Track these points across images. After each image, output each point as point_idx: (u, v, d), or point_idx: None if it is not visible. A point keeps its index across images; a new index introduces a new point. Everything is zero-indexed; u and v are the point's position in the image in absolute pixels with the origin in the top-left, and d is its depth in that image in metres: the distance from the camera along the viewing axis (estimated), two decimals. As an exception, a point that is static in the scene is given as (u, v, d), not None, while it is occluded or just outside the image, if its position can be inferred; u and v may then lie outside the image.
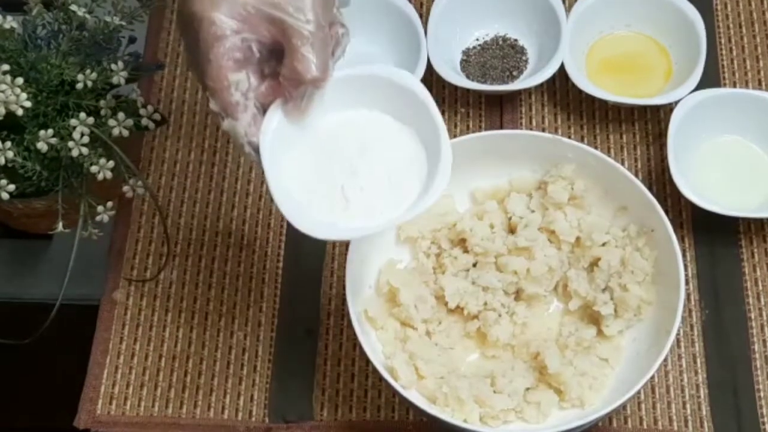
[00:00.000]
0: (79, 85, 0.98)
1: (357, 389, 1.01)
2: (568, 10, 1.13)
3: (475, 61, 1.15)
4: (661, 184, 1.08)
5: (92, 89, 0.99)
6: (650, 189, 1.00)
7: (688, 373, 1.00)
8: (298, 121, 0.80)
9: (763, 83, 1.14)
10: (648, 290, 0.95)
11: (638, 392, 0.91)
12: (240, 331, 1.04)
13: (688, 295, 1.03)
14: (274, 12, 0.76)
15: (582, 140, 1.11)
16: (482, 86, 1.12)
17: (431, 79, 1.13)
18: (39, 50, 1.01)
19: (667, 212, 0.95)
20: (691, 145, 1.07)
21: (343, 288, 0.93)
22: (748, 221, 1.06)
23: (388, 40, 1.15)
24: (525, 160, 1.00)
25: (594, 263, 0.97)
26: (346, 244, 0.95)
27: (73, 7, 1.00)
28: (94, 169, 0.97)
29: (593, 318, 0.97)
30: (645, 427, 0.98)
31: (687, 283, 1.00)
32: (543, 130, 1.12)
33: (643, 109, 1.12)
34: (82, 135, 0.96)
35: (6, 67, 0.96)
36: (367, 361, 0.93)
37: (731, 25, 1.17)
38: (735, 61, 1.15)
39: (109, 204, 1.01)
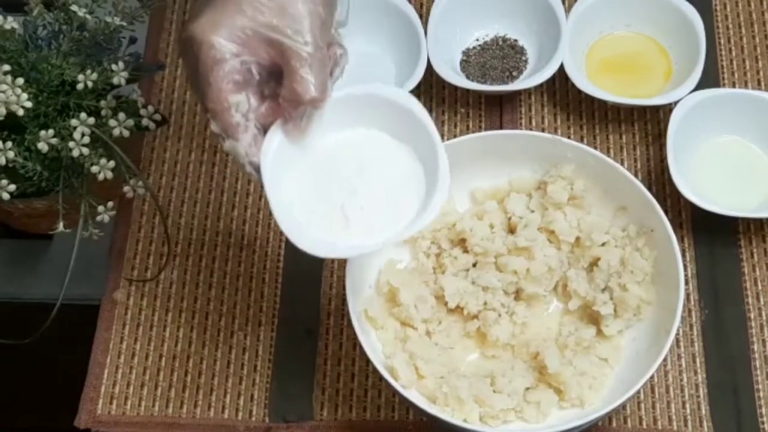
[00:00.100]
0: (80, 86, 0.98)
1: (357, 389, 1.01)
2: (567, 10, 1.13)
3: (475, 61, 1.15)
4: (661, 184, 1.08)
5: (93, 89, 0.99)
6: (650, 189, 1.00)
7: (688, 373, 1.00)
8: (298, 141, 0.81)
9: (763, 83, 1.14)
10: (647, 290, 0.96)
11: (638, 392, 0.91)
12: (240, 331, 1.04)
13: (687, 295, 1.03)
14: (272, 34, 0.77)
15: (582, 140, 1.11)
16: (482, 86, 1.12)
17: (431, 79, 1.13)
18: (40, 51, 1.01)
19: (666, 212, 0.96)
20: (690, 145, 1.07)
21: (343, 288, 0.93)
22: (747, 221, 1.06)
23: (388, 40, 1.15)
24: (525, 160, 1.00)
25: (594, 263, 0.98)
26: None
27: (74, 8, 1.00)
28: (94, 169, 0.97)
29: (593, 318, 0.97)
30: (644, 426, 0.99)
31: (686, 283, 1.00)
32: (543, 130, 1.12)
33: (643, 109, 1.12)
34: (83, 135, 0.96)
35: (7, 67, 0.96)
36: (367, 361, 0.93)
37: (731, 26, 1.17)
38: (734, 62, 1.15)
39: (110, 204, 1.01)
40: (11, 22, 1.00)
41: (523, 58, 1.15)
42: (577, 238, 0.98)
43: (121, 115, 0.99)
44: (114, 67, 1.00)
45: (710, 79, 1.12)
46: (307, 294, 1.05)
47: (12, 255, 1.23)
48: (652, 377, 0.92)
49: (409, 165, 0.84)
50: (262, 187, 0.80)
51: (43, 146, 0.96)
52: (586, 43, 1.14)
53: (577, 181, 0.98)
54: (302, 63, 0.77)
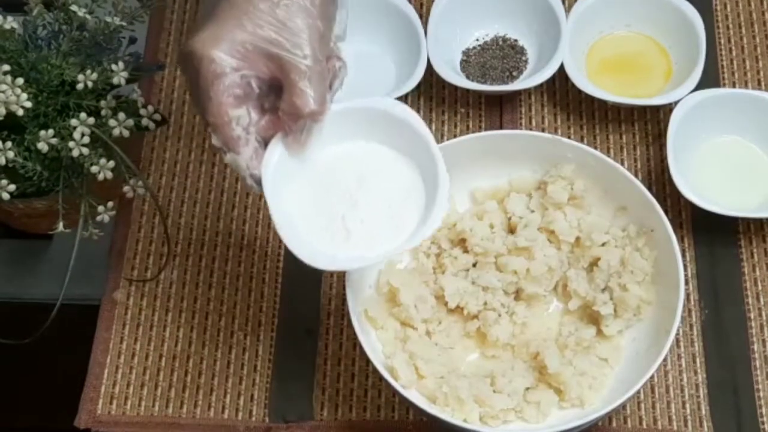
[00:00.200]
0: (80, 86, 0.98)
1: (357, 389, 1.01)
2: (567, 10, 1.13)
3: (475, 61, 1.15)
4: (661, 184, 1.08)
5: (93, 89, 0.99)
6: (650, 189, 1.00)
7: (688, 373, 1.00)
8: (298, 154, 0.82)
9: (763, 83, 1.14)
10: (648, 290, 0.96)
11: (638, 392, 0.91)
12: (240, 331, 1.04)
13: (687, 295, 1.03)
14: (272, 48, 0.78)
15: (582, 140, 1.11)
16: (482, 86, 1.12)
17: (431, 79, 1.13)
18: (39, 51, 1.01)
19: (666, 212, 0.96)
20: (690, 145, 1.07)
21: (343, 288, 0.93)
22: (747, 221, 1.06)
23: (388, 40, 1.15)
24: (525, 160, 1.00)
25: (594, 263, 0.98)
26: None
27: (74, 8, 1.00)
28: (94, 169, 0.97)
29: (593, 318, 0.97)
30: (644, 426, 0.99)
31: (686, 283, 1.00)
32: (543, 130, 1.12)
33: (643, 109, 1.12)
34: (83, 135, 0.96)
35: (6, 67, 0.96)
36: (367, 361, 0.93)
37: (731, 26, 1.17)
38: (734, 62, 1.15)
39: (110, 204, 1.01)
40: (11, 22, 1.00)
41: (523, 58, 1.15)
42: (577, 238, 0.99)
43: (121, 115, 0.99)
44: (114, 67, 1.00)
45: (710, 79, 1.12)
46: (307, 294, 1.05)
47: (12, 255, 1.23)
48: (652, 377, 0.92)
49: (409, 177, 0.85)
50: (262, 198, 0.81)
51: (43, 146, 0.96)
52: (586, 43, 1.14)
53: (577, 181, 0.98)
54: (301, 76, 0.78)
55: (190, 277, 1.07)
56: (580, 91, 1.10)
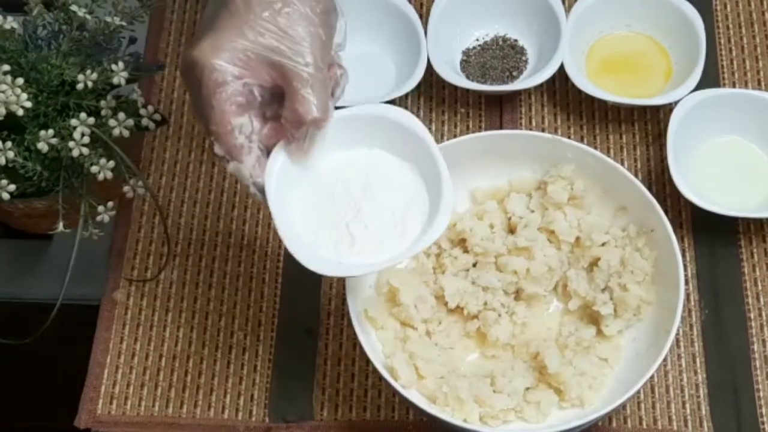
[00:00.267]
0: (80, 86, 0.98)
1: (357, 389, 1.01)
2: (567, 10, 1.13)
3: (475, 61, 1.15)
4: (661, 184, 1.08)
5: (93, 89, 0.99)
6: (650, 189, 1.00)
7: (688, 373, 1.00)
8: (301, 161, 0.82)
9: (763, 83, 1.14)
10: (648, 290, 0.96)
11: (638, 392, 0.91)
12: (240, 331, 1.04)
13: (687, 295, 1.03)
14: (273, 56, 0.78)
15: (582, 140, 1.11)
16: (482, 86, 1.12)
17: (431, 79, 1.13)
18: (39, 51, 1.01)
19: (666, 212, 0.96)
20: (690, 145, 1.07)
21: (343, 288, 0.93)
22: (747, 221, 1.06)
23: (388, 40, 1.15)
24: (525, 160, 1.00)
25: (594, 263, 0.98)
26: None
27: (74, 8, 1.00)
28: (94, 169, 0.97)
29: (593, 318, 0.97)
30: (644, 426, 0.99)
31: (686, 283, 1.00)
32: (543, 130, 1.12)
33: (643, 109, 1.12)
34: (83, 135, 0.96)
35: (6, 67, 0.96)
36: (367, 361, 0.93)
37: (731, 26, 1.17)
38: (734, 62, 1.15)
39: (110, 204, 1.01)
40: (11, 22, 1.00)
41: (523, 58, 1.15)
42: (577, 238, 0.99)
43: (121, 115, 0.99)
44: (114, 67, 1.00)
45: (710, 79, 1.12)
46: (307, 294, 1.05)
47: (12, 255, 1.23)
48: (652, 377, 0.92)
49: (412, 183, 0.85)
50: (267, 207, 0.81)
51: (43, 146, 0.96)
52: (586, 43, 1.14)
53: (577, 181, 0.98)
54: (303, 84, 0.78)
55: (190, 277, 1.07)
56: (580, 91, 1.10)
